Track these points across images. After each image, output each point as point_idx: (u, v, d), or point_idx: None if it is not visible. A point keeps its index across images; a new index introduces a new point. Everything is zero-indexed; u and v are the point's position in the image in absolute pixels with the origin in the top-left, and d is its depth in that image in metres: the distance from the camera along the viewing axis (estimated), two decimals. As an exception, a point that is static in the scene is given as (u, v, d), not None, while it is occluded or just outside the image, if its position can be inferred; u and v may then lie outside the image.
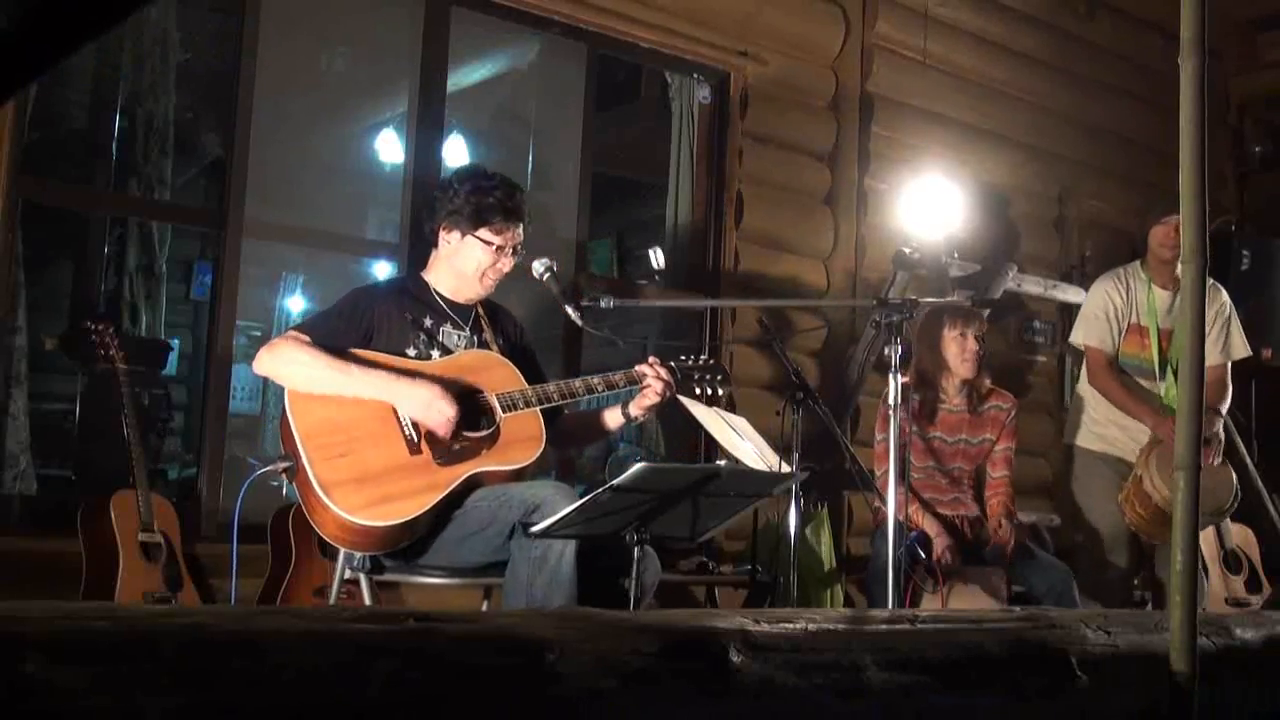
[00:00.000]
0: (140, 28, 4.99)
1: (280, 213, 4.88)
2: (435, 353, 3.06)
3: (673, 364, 3.20)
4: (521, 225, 3.16)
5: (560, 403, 3.06)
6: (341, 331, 2.98)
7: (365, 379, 2.89)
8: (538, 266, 3.12)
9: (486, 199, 3.11)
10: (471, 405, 2.95)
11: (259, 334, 7.67)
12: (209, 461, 4.20)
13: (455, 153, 6.34)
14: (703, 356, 3.29)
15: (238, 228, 4.27)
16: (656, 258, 5.32)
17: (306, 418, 2.85)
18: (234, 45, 4.36)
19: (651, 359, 3.16)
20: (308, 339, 2.92)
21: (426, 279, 3.20)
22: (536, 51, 5.65)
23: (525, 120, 6.03)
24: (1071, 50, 6.40)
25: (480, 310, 3.21)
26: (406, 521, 2.82)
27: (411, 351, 3.03)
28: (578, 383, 3.08)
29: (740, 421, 3.36)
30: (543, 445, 3.01)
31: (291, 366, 2.89)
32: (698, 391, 3.20)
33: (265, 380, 7.50)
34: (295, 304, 7.65)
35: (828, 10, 5.55)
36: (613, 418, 3.24)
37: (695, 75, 5.37)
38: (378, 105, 6.49)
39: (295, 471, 2.84)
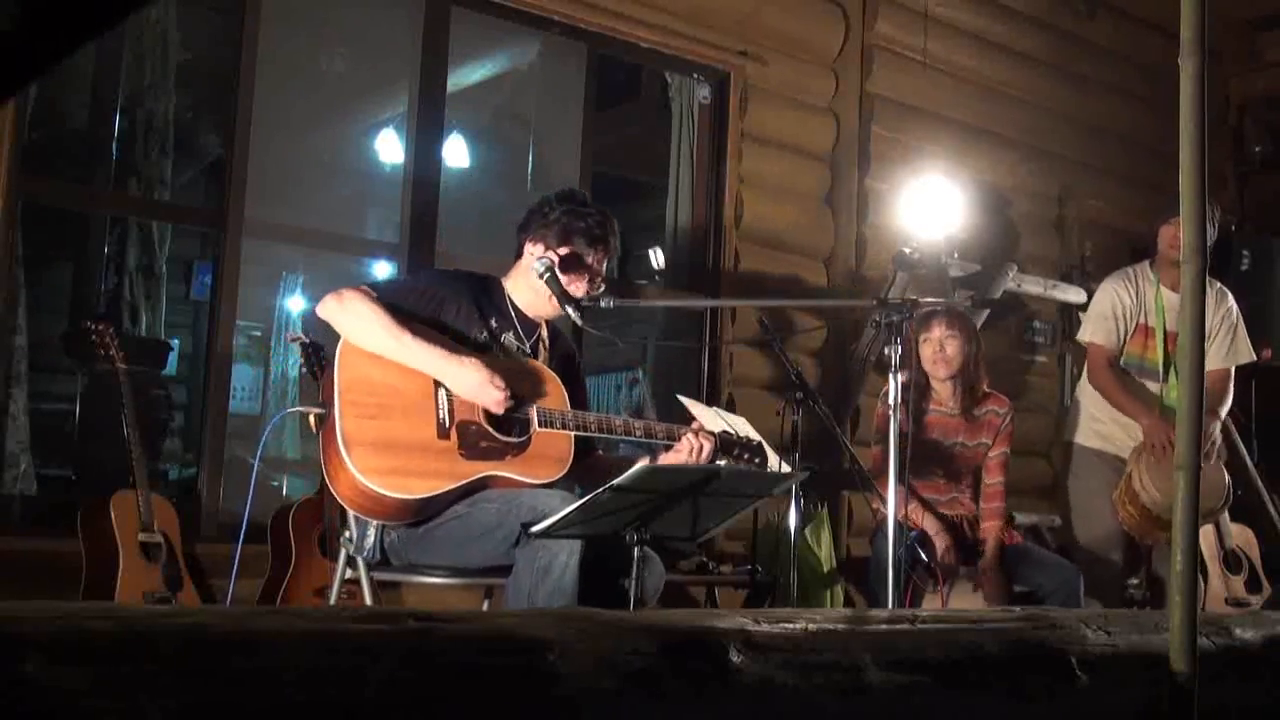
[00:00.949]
0: (140, 28, 4.99)
1: (280, 213, 4.88)
2: (493, 349, 3.07)
3: (716, 433, 3.17)
4: (607, 257, 3.19)
5: (595, 434, 3.06)
6: (411, 302, 2.99)
7: (420, 349, 2.89)
8: (538, 266, 3.12)
9: (578, 221, 3.15)
10: (511, 410, 2.96)
11: (259, 334, 7.68)
12: (209, 461, 4.20)
13: (455, 153, 6.35)
14: (747, 434, 3.25)
15: (238, 228, 4.28)
16: (656, 258, 5.32)
17: (350, 371, 2.86)
18: (234, 45, 4.36)
19: (696, 425, 3.15)
20: (375, 296, 2.93)
21: (505, 285, 3.21)
22: (536, 51, 5.65)
23: (525, 120, 6.03)
24: (1071, 50, 6.40)
25: (544, 333, 3.22)
26: (414, 499, 2.84)
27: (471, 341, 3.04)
28: (619, 420, 3.10)
29: (740, 421, 3.36)
30: (566, 469, 3.00)
31: (353, 318, 2.89)
32: (735, 453, 3.18)
33: (265, 380, 7.55)
34: (295, 304, 7.66)
35: (828, 10, 5.56)
36: None
37: (695, 75, 5.37)
38: (378, 105, 6.49)
39: (325, 420, 2.85)
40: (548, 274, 3.12)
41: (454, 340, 2.99)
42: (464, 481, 2.88)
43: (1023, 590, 4.18)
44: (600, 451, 3.31)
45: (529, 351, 3.16)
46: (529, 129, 5.92)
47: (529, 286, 3.17)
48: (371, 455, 2.79)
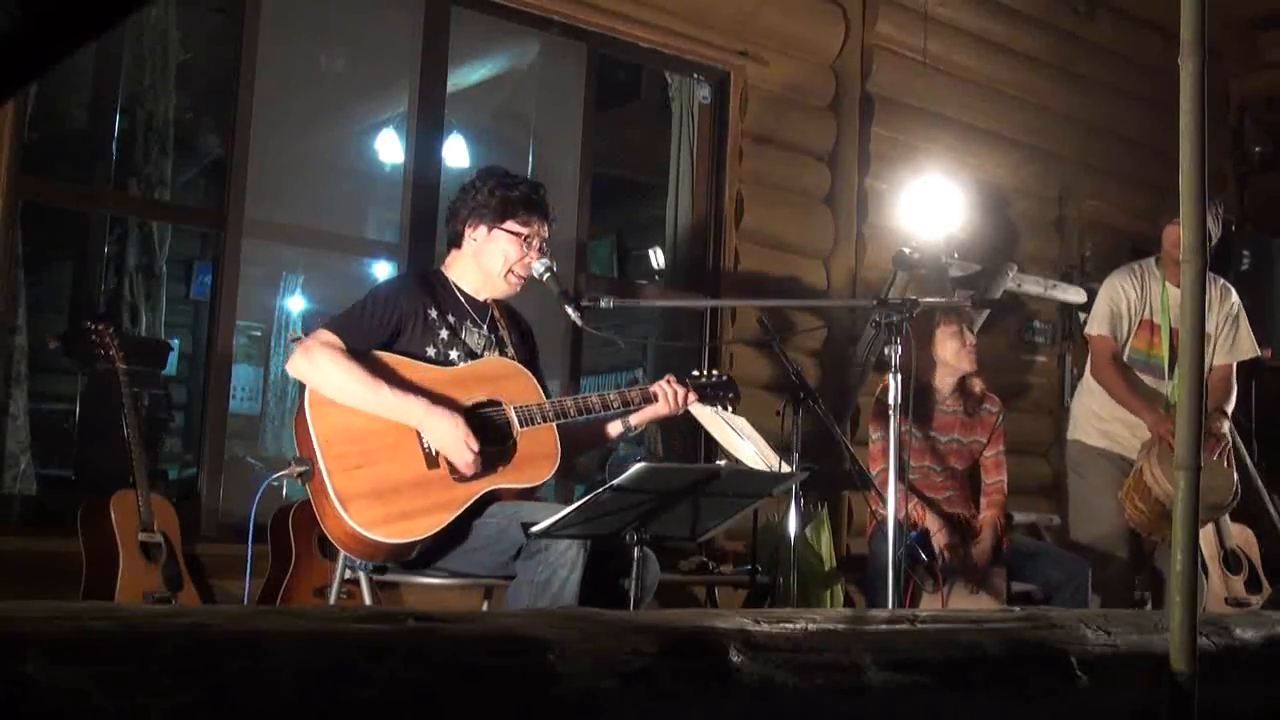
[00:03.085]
0: (140, 28, 4.99)
1: (280, 213, 4.87)
2: (454, 352, 3.04)
3: (687, 380, 3.19)
4: (547, 222, 3.16)
5: (576, 418, 3.05)
6: (371, 331, 2.96)
7: (395, 401, 2.86)
8: (537, 266, 3.12)
9: (511, 193, 3.12)
10: (489, 418, 2.95)
11: (259, 334, 7.68)
12: (209, 461, 4.20)
13: (455, 153, 6.35)
14: (714, 371, 3.28)
15: (238, 228, 4.27)
16: (656, 258, 5.33)
17: (325, 423, 2.83)
18: (234, 45, 4.36)
19: (669, 377, 3.16)
20: (342, 346, 2.89)
21: (448, 274, 3.18)
22: (536, 51, 5.65)
23: (525, 120, 6.03)
24: (1071, 50, 6.40)
25: (496, 311, 3.21)
26: (421, 539, 2.83)
27: (431, 351, 3.01)
28: (594, 398, 3.07)
29: (740, 421, 3.36)
30: (557, 463, 3.00)
31: (326, 376, 2.86)
32: (708, 394, 3.20)
33: (265, 380, 7.55)
34: (295, 304, 7.66)
35: (828, 10, 5.56)
36: (614, 426, 3.24)
37: (695, 75, 5.37)
38: (378, 105, 6.49)
39: (310, 476, 2.82)
40: (548, 274, 3.12)
41: (417, 361, 2.97)
42: (464, 507, 2.86)
43: (1023, 589, 4.18)
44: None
45: (488, 335, 3.14)
46: (529, 129, 5.91)
47: (477, 269, 3.14)
48: (370, 506, 2.76)
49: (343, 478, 2.78)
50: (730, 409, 3.26)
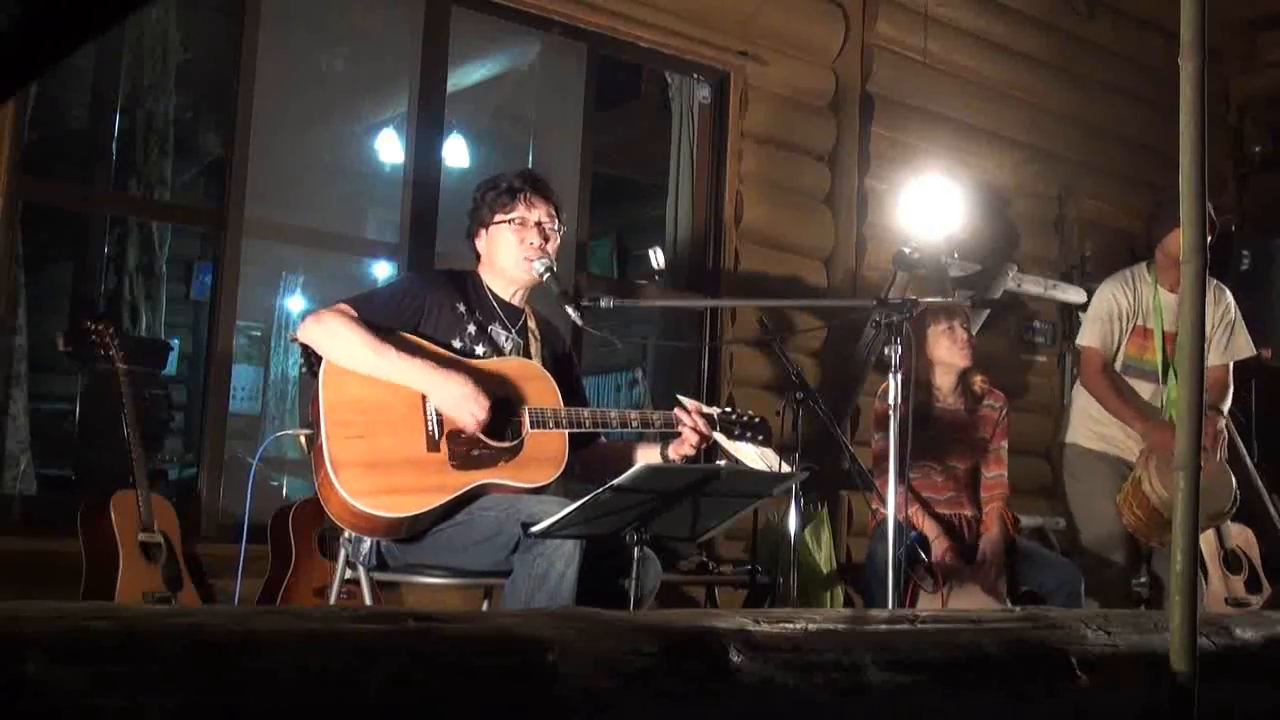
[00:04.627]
0: (140, 28, 5.00)
1: (280, 213, 4.87)
2: (480, 348, 3.05)
3: (714, 412, 3.14)
4: (540, 198, 3.15)
5: (590, 430, 3.03)
6: (390, 312, 2.97)
7: (401, 364, 2.87)
8: (537, 266, 3.12)
9: (496, 188, 3.16)
10: (501, 413, 2.94)
11: (259, 334, 7.68)
12: (209, 461, 4.20)
13: (455, 153, 6.35)
14: (749, 412, 3.22)
15: (238, 228, 4.28)
16: (656, 258, 5.32)
17: (335, 391, 2.84)
18: (234, 45, 4.36)
19: (691, 404, 3.11)
20: (354, 314, 2.90)
21: (482, 277, 3.20)
22: (536, 51, 5.65)
23: (525, 120, 6.03)
24: (1071, 50, 6.41)
25: (531, 321, 3.21)
26: (404, 517, 2.83)
27: (458, 344, 3.02)
28: (613, 413, 3.06)
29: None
30: (562, 469, 2.99)
31: (332, 339, 2.87)
32: (736, 432, 3.15)
33: (265, 380, 7.55)
34: (295, 304, 7.66)
35: (828, 10, 5.56)
36: (644, 454, 3.16)
37: (695, 75, 5.37)
38: (378, 105, 6.49)
39: (313, 441, 2.84)
40: (548, 274, 3.12)
41: (439, 347, 2.97)
42: (456, 494, 2.85)
43: (1025, 590, 4.18)
44: (603, 439, 3.26)
45: (517, 340, 3.14)
46: (529, 129, 5.92)
47: (494, 270, 3.16)
48: (360, 476, 2.77)
49: (339, 444, 2.79)
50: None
